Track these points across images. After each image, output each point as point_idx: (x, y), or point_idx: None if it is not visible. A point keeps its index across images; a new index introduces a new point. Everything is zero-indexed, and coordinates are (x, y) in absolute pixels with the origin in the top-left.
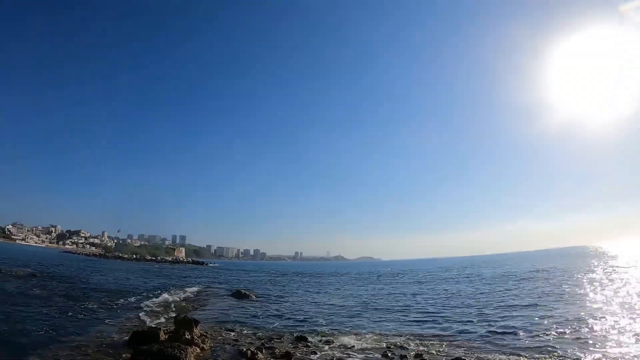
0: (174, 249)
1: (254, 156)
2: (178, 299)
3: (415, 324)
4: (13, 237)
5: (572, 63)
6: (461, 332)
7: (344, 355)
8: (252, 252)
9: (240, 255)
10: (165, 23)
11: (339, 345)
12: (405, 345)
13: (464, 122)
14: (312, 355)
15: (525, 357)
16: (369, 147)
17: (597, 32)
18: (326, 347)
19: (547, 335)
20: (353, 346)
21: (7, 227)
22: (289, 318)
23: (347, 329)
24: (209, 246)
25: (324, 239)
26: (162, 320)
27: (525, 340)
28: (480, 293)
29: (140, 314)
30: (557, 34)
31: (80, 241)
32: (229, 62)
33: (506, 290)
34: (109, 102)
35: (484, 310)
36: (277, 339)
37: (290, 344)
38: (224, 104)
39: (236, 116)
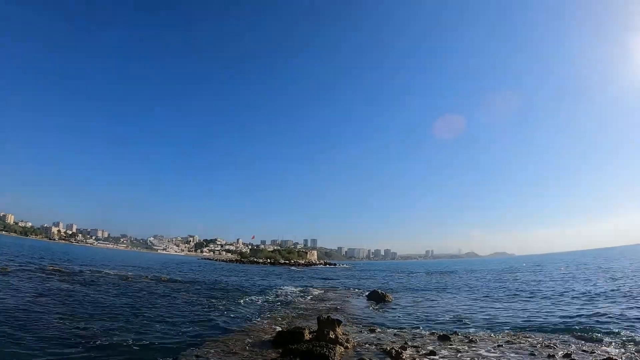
0: (306, 252)
1: (381, 159)
2: (313, 300)
3: (560, 322)
4: (154, 247)
5: None
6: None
7: (490, 354)
8: (382, 252)
9: (371, 256)
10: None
11: (482, 344)
12: (551, 344)
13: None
14: (458, 354)
15: None
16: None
17: None
18: (468, 346)
19: None
20: (497, 345)
21: (149, 239)
22: (427, 317)
23: (488, 329)
24: (339, 248)
25: (455, 236)
26: (301, 320)
27: None
28: None
29: (280, 314)
30: None
31: (216, 248)
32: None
33: None
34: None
35: None
36: (419, 337)
37: (434, 343)
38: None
39: (366, 125)
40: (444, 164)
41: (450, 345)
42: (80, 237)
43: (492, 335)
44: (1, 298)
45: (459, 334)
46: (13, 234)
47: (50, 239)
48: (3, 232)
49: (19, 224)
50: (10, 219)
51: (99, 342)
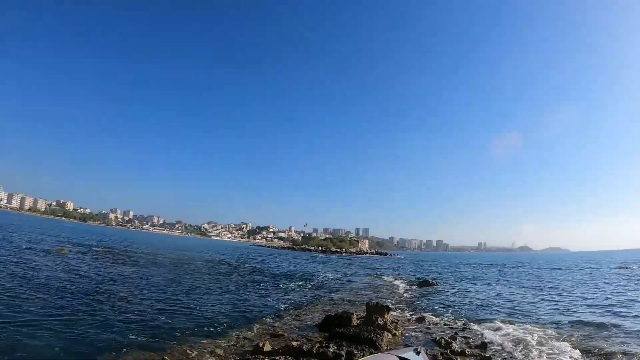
0: (358, 241)
1: (435, 150)
2: (363, 286)
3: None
4: (208, 233)
5: None
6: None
7: (541, 348)
8: (434, 243)
9: (422, 246)
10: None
11: (530, 338)
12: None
13: None
14: (509, 346)
15: None
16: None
17: None
18: (518, 339)
19: None
20: (546, 338)
21: (202, 225)
22: (477, 309)
23: (535, 322)
24: (391, 238)
25: (509, 229)
26: (349, 306)
27: None
28: None
29: (328, 299)
30: None
31: (269, 236)
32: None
33: None
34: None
35: None
36: (469, 328)
37: (483, 334)
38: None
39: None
40: (501, 158)
41: (503, 337)
42: (136, 223)
43: (540, 329)
44: (60, 277)
45: (509, 326)
46: (72, 220)
47: (107, 225)
48: (63, 218)
49: (78, 211)
50: (70, 206)
51: (160, 320)
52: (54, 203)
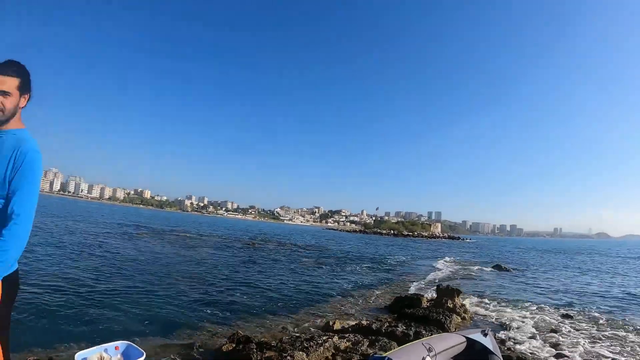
0: (430, 225)
1: (510, 133)
2: (434, 270)
3: None
4: (281, 217)
5: None
6: None
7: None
8: (508, 228)
9: (495, 231)
10: None
11: (602, 327)
12: None
13: None
14: (580, 334)
15: None
16: None
17: None
18: (590, 326)
19: None
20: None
21: (275, 210)
22: (549, 295)
23: (608, 312)
24: (464, 222)
25: (586, 214)
26: (419, 289)
27: None
28: None
29: (398, 282)
30: None
31: (341, 219)
32: None
33: None
34: None
35: None
36: (541, 313)
37: (556, 321)
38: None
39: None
40: (580, 140)
41: (572, 324)
42: (211, 208)
43: (613, 319)
44: (139, 258)
45: (582, 314)
46: (150, 207)
47: (183, 211)
48: (141, 205)
49: (155, 198)
50: (147, 194)
51: (233, 297)
52: (132, 192)
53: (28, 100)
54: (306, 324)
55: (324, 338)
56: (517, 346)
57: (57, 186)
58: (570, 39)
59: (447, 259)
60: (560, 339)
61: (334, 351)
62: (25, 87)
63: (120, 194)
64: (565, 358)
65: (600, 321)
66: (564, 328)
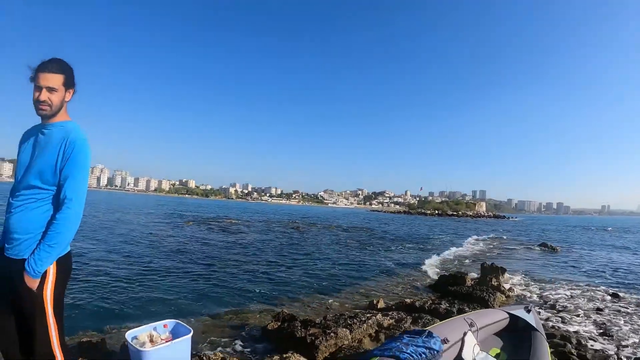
0: (475, 204)
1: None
2: (478, 249)
3: None
4: (325, 201)
5: None
6: None
7: None
8: (554, 206)
9: (542, 209)
10: None
11: None
12: None
13: None
14: (626, 313)
15: None
16: None
17: None
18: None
19: None
20: None
21: (319, 193)
22: (597, 274)
23: None
24: (509, 200)
25: (636, 190)
26: (463, 267)
27: None
28: None
29: (442, 260)
30: None
31: (385, 201)
32: None
33: None
34: None
35: None
36: (587, 292)
37: (603, 300)
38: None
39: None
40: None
41: (619, 304)
42: (255, 195)
43: None
44: (187, 245)
45: (630, 294)
46: (195, 197)
47: (228, 198)
48: (186, 195)
49: (200, 187)
50: (192, 184)
51: (279, 278)
52: (177, 182)
53: (73, 94)
54: (351, 303)
55: (368, 315)
56: (561, 324)
57: (104, 181)
58: None
59: (493, 236)
60: (607, 318)
61: (377, 328)
62: (69, 82)
63: (165, 185)
64: (610, 337)
65: None
66: (610, 308)
